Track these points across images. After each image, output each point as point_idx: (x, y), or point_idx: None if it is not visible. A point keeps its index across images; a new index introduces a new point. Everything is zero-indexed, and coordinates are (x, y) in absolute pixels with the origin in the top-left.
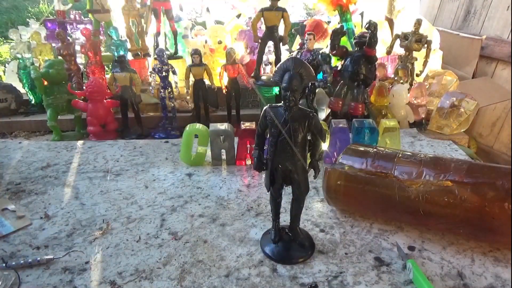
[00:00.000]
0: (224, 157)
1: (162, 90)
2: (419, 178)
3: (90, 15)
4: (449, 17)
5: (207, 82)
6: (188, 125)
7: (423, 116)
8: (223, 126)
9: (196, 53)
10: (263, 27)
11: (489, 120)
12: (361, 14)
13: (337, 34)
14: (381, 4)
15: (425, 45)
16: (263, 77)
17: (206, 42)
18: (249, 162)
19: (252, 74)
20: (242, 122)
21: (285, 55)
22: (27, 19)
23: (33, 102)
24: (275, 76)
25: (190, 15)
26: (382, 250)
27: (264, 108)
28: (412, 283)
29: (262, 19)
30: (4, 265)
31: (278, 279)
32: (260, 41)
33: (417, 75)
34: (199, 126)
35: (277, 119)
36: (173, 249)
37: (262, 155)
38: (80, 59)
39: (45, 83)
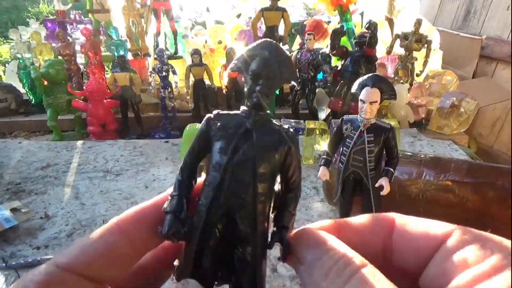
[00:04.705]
0: None
1: (162, 90)
2: (419, 178)
3: (90, 15)
4: (449, 17)
5: (207, 82)
6: (188, 125)
7: (423, 116)
8: None
9: (196, 53)
10: (263, 27)
11: (489, 120)
12: (361, 14)
13: (337, 34)
14: (381, 4)
15: (425, 45)
16: None
17: (206, 42)
18: None
19: None
20: None
21: None
22: (27, 19)
23: (33, 102)
24: None
25: (190, 15)
26: None
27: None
28: None
29: (262, 19)
30: (4, 265)
31: (278, 279)
32: None
33: (417, 75)
34: (199, 126)
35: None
36: None
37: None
38: (80, 59)
39: (45, 83)
